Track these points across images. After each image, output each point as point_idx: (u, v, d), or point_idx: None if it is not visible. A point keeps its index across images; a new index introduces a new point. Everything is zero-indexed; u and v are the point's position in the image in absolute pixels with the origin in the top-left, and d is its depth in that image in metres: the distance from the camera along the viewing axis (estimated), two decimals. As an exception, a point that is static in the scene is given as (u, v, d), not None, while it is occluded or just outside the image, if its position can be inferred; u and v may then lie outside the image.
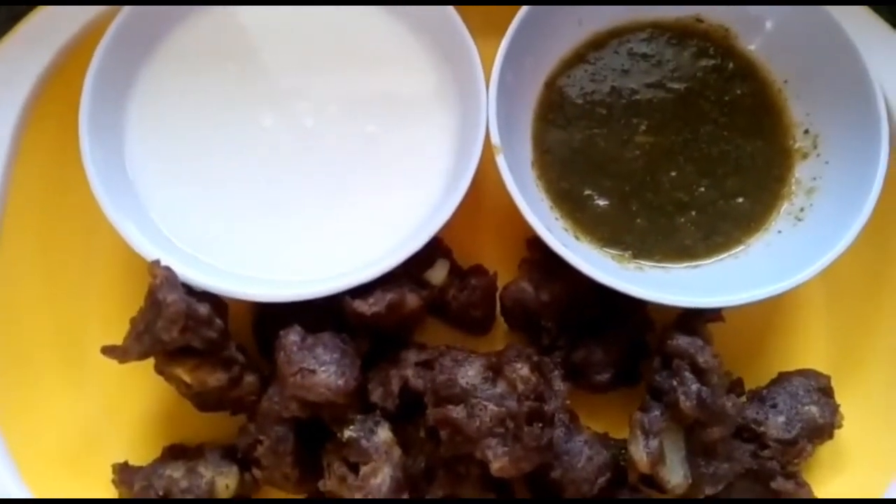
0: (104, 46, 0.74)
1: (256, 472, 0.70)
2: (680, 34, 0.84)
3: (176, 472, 0.70)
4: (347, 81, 0.78)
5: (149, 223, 0.74)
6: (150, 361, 0.69)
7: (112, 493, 0.72)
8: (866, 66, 0.75)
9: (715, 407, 0.66)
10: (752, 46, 0.83)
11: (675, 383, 0.68)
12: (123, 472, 0.72)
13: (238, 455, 0.72)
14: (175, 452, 0.73)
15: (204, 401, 0.71)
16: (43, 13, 0.79)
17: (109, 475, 0.72)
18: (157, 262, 0.68)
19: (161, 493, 0.69)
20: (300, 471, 0.69)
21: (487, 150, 0.72)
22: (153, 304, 0.65)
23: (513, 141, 0.77)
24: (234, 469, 0.71)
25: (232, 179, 0.75)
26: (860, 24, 0.79)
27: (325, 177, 0.76)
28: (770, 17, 0.81)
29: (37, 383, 0.76)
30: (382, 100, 0.77)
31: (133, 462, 0.73)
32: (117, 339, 0.69)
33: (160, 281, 0.66)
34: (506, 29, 0.75)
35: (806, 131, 0.81)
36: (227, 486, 0.70)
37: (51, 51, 0.78)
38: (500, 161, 0.72)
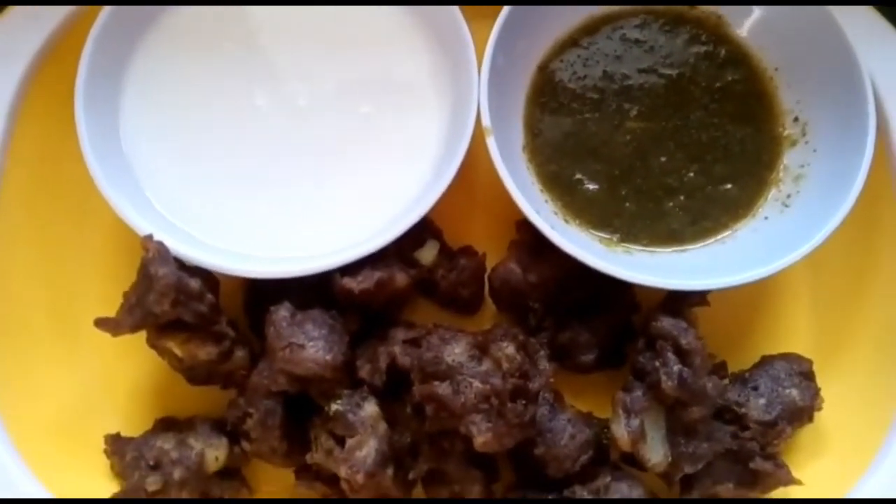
0: (101, 23, 0.74)
1: (245, 445, 0.72)
2: (673, 20, 0.84)
3: (167, 443, 0.72)
4: (341, 62, 0.79)
5: (143, 199, 0.75)
6: (143, 335, 0.70)
7: (104, 464, 0.74)
8: (856, 55, 0.75)
9: (695, 387, 0.68)
10: (744, 34, 0.83)
11: (657, 364, 0.69)
12: (115, 442, 0.73)
13: (228, 428, 0.73)
14: (166, 424, 0.74)
15: (195, 374, 0.73)
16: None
17: (102, 446, 0.73)
18: (149, 237, 0.69)
19: (152, 464, 0.70)
20: (288, 444, 0.71)
21: (480, 133, 0.73)
22: (145, 277, 0.66)
23: (504, 124, 0.78)
24: (224, 441, 0.73)
25: (225, 157, 0.76)
26: (851, 15, 0.80)
27: (317, 156, 0.77)
28: (762, 5, 0.81)
29: (31, 354, 0.77)
30: (375, 81, 0.78)
31: (125, 433, 0.74)
32: (111, 312, 0.70)
33: (152, 255, 0.67)
34: (498, 13, 0.76)
35: (795, 119, 0.81)
36: (216, 458, 0.72)
37: (48, 26, 0.79)
38: (491, 143, 0.73)
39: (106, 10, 0.75)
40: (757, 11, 0.82)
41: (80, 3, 0.79)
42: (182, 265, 0.69)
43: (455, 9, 0.76)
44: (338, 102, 0.77)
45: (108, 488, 0.73)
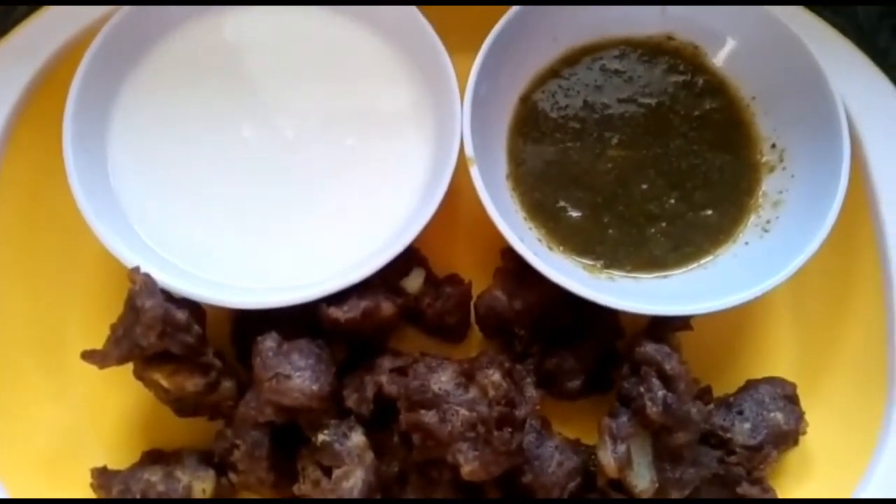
0: (89, 58, 0.76)
1: (233, 477, 0.72)
2: (651, 51, 0.86)
3: (153, 475, 0.71)
4: (327, 95, 0.80)
5: (130, 231, 0.75)
6: (130, 367, 0.70)
7: (90, 496, 0.73)
8: (829, 83, 0.77)
9: (680, 413, 0.68)
10: (720, 63, 0.85)
11: (642, 390, 0.70)
12: (102, 476, 0.73)
13: (215, 459, 0.73)
14: (153, 457, 0.74)
15: (182, 406, 0.73)
16: (29, 26, 0.81)
17: (88, 479, 0.73)
18: (136, 269, 0.69)
19: (139, 497, 0.70)
20: (276, 475, 0.71)
21: (464, 162, 0.74)
22: (132, 309, 0.67)
23: (487, 153, 0.79)
24: (211, 473, 0.73)
25: (212, 189, 0.77)
26: (825, 44, 0.82)
27: (303, 187, 0.78)
28: (737, 35, 0.83)
29: (17, 387, 0.76)
30: (360, 113, 0.79)
31: (112, 466, 0.74)
32: (98, 344, 0.70)
33: (139, 287, 0.67)
34: (481, 45, 0.77)
35: (773, 145, 0.83)
36: (203, 491, 0.71)
37: (37, 62, 0.80)
38: (474, 172, 0.74)
39: (95, 44, 0.76)
40: (732, 42, 0.84)
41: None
42: (169, 297, 0.70)
43: (437, 41, 0.77)
44: (323, 134, 0.79)
45: (95, 523, 0.72)
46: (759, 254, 0.78)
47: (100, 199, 0.74)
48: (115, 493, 0.70)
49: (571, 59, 0.85)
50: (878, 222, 0.80)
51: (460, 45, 0.78)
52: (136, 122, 0.78)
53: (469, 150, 0.74)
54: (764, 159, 0.83)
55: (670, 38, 0.86)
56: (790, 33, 0.79)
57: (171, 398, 0.71)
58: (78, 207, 0.72)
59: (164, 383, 0.69)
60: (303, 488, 0.69)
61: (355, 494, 0.66)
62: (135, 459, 0.75)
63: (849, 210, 0.74)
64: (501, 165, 0.82)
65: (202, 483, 0.72)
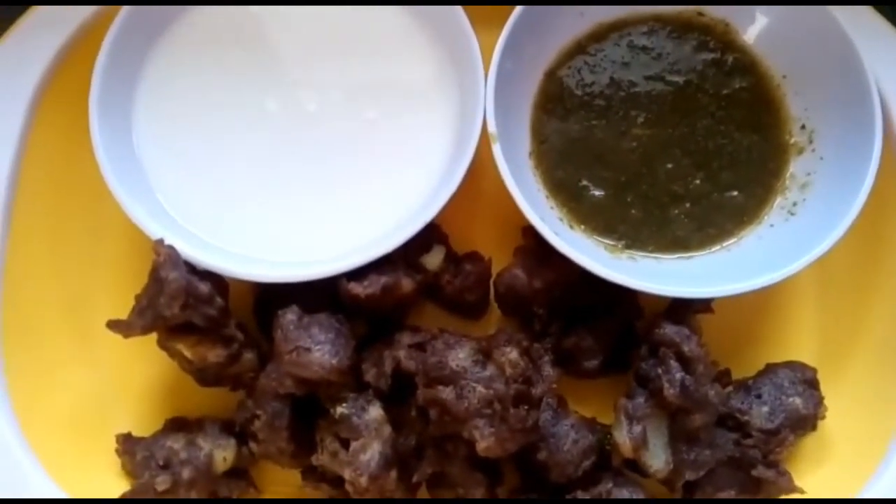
0: (115, 31, 0.76)
1: (253, 446, 0.73)
2: (681, 27, 0.84)
3: (176, 443, 0.73)
4: (350, 69, 0.79)
5: (155, 203, 0.76)
6: (155, 336, 0.72)
7: (116, 462, 0.75)
8: (864, 63, 0.75)
9: (698, 395, 0.68)
10: (751, 41, 0.83)
11: (660, 371, 0.70)
12: (127, 442, 0.75)
13: (236, 429, 0.75)
14: (176, 425, 0.76)
15: (204, 376, 0.74)
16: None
17: (113, 444, 0.75)
18: (160, 241, 0.70)
19: (161, 464, 0.72)
20: (295, 445, 0.72)
21: (486, 138, 0.74)
22: (156, 280, 0.68)
23: (511, 130, 0.78)
24: (232, 442, 0.74)
25: (236, 162, 0.77)
26: (860, 22, 0.80)
27: (326, 161, 0.78)
28: (770, 12, 0.81)
29: (45, 354, 0.78)
30: (383, 87, 0.79)
31: (136, 432, 0.76)
32: (124, 311, 0.71)
33: (163, 259, 0.68)
34: (507, 19, 0.76)
35: (803, 126, 0.81)
36: (224, 459, 0.73)
37: (64, 32, 0.80)
38: (496, 150, 0.73)
39: (120, 16, 0.76)
40: (764, 19, 0.82)
41: (96, 4, 0.81)
42: (192, 269, 0.71)
43: (461, 13, 0.76)
44: (346, 108, 0.78)
45: (120, 486, 0.74)
46: (784, 237, 0.77)
47: (125, 171, 0.75)
48: (138, 459, 0.72)
49: (599, 35, 0.84)
50: (908, 208, 0.78)
51: (485, 19, 0.77)
52: (161, 95, 0.78)
53: (492, 127, 0.74)
54: (793, 140, 0.82)
55: (701, 14, 0.84)
56: (825, 11, 0.77)
57: (193, 368, 0.73)
58: (103, 179, 0.73)
59: (187, 354, 0.71)
60: (321, 459, 0.70)
61: (372, 466, 0.67)
62: (158, 426, 0.76)
63: (878, 195, 0.73)
64: (524, 142, 0.82)
65: (223, 451, 0.73)
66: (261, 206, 0.77)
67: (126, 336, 0.70)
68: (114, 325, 0.70)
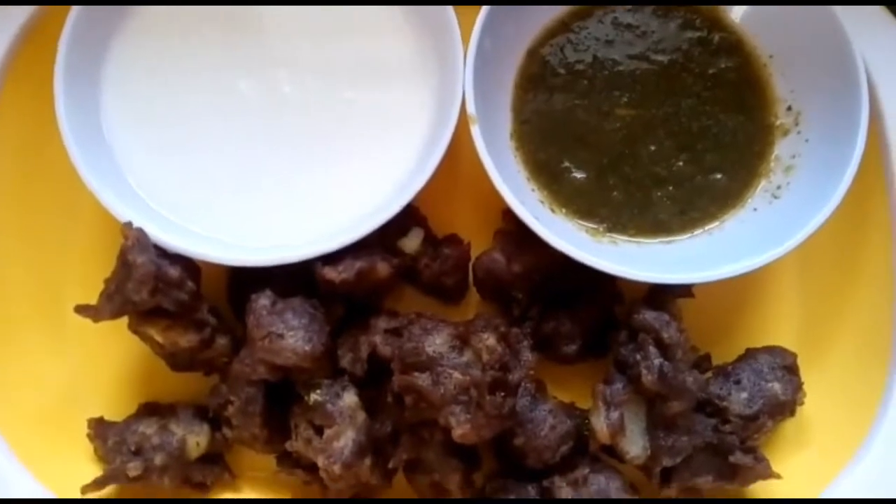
0: (79, 8, 0.73)
1: (227, 431, 0.72)
2: (667, 5, 0.82)
3: (149, 428, 0.72)
4: (326, 49, 0.77)
5: (125, 185, 0.74)
6: (127, 320, 0.70)
7: (88, 448, 0.74)
8: (852, 45, 0.74)
9: (675, 382, 0.67)
10: (738, 19, 0.81)
11: (638, 357, 0.69)
12: (98, 426, 0.74)
13: (210, 414, 0.74)
14: (149, 410, 0.75)
15: (177, 361, 0.73)
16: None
17: (85, 430, 0.74)
18: (128, 224, 0.68)
19: (133, 449, 0.71)
20: (269, 431, 0.71)
21: (466, 118, 0.72)
22: (124, 265, 0.66)
23: (491, 110, 0.76)
24: (206, 427, 0.73)
25: (208, 144, 0.75)
26: (850, 3, 0.78)
27: (301, 143, 0.76)
28: (757, -11, 0.80)
29: (15, 340, 0.77)
30: (360, 67, 0.77)
31: (109, 417, 0.75)
32: (94, 298, 0.70)
33: (131, 243, 0.66)
34: (486, -4, 0.74)
35: (789, 108, 0.80)
36: (197, 445, 0.72)
37: (24, 12, 0.78)
38: (475, 132, 0.72)
39: (83, -8, 0.74)
40: (752, -4, 0.80)
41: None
42: (162, 253, 0.69)
43: (440, -10, 0.74)
44: (321, 89, 0.76)
45: (93, 472, 0.73)
46: (768, 221, 0.76)
47: (93, 152, 0.73)
48: (110, 444, 0.72)
49: (582, 12, 0.82)
50: (892, 194, 0.77)
51: (464, -3, 0.75)
52: (129, 74, 0.76)
53: (471, 109, 0.72)
54: (778, 122, 0.80)
55: (686, -9, 0.82)
56: (814, -12, 0.75)
57: (165, 353, 0.72)
58: (71, 161, 0.71)
59: (158, 338, 0.70)
60: (295, 445, 0.70)
61: (346, 454, 0.67)
62: (131, 411, 0.75)
63: (863, 179, 0.72)
64: (505, 123, 0.80)
65: (196, 437, 0.72)
66: (234, 189, 0.75)
67: (95, 321, 0.69)
68: (82, 309, 0.69)
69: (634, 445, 0.69)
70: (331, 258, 0.71)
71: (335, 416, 0.68)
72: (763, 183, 0.79)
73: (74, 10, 0.73)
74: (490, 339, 0.68)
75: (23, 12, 0.77)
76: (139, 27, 0.76)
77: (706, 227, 0.78)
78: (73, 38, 0.73)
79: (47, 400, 0.77)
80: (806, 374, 0.75)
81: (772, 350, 0.76)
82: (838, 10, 0.74)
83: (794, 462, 0.75)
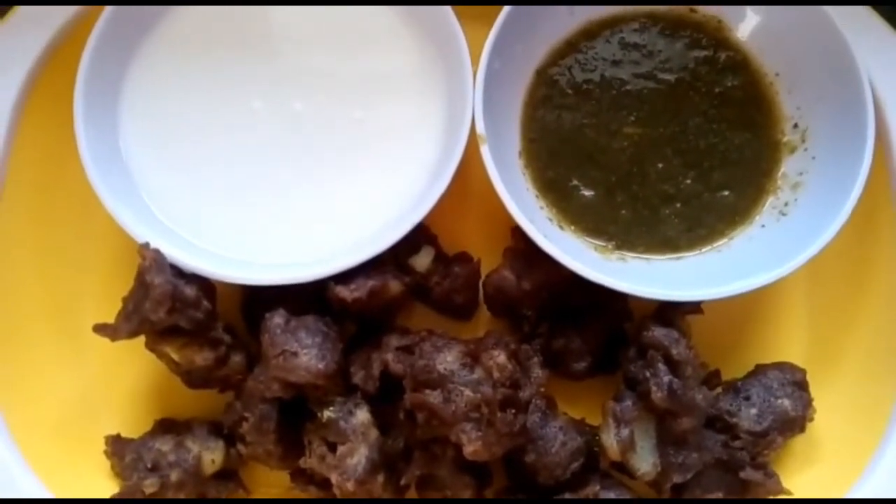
0: (99, 29, 0.75)
1: (241, 448, 0.73)
2: (673, 24, 0.83)
3: (165, 445, 0.73)
4: (338, 69, 0.78)
5: (141, 205, 0.76)
6: (143, 338, 0.72)
7: (105, 464, 0.75)
8: (858, 62, 0.74)
9: (685, 399, 0.68)
10: (744, 38, 0.82)
11: (648, 374, 0.69)
12: (115, 443, 0.75)
13: (224, 431, 0.75)
14: (165, 426, 0.76)
15: (192, 378, 0.74)
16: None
17: (102, 446, 0.75)
18: (146, 245, 0.70)
19: (150, 466, 0.72)
20: (283, 447, 0.72)
21: (476, 137, 0.73)
22: (141, 285, 0.68)
23: (500, 129, 0.78)
24: (221, 444, 0.74)
25: (222, 163, 0.77)
26: (855, 20, 0.79)
27: (313, 161, 0.77)
28: (763, 9, 0.80)
29: (33, 357, 0.78)
30: (370, 86, 0.78)
31: (125, 433, 0.76)
32: (112, 313, 0.71)
33: (148, 263, 0.68)
34: (496, 16, 0.75)
35: (795, 125, 0.80)
36: (212, 461, 0.73)
37: (48, 32, 0.79)
38: (485, 151, 0.73)
39: (104, 15, 0.75)
40: (757, 15, 0.81)
41: (81, 3, 0.80)
42: (178, 272, 0.70)
43: (450, 13, 0.75)
44: (333, 108, 0.78)
45: (109, 488, 0.74)
46: (776, 238, 0.77)
47: (111, 173, 0.74)
48: (127, 461, 0.72)
49: (590, 32, 0.83)
50: (899, 211, 0.78)
51: (474, 18, 0.77)
52: (146, 96, 0.78)
53: (480, 128, 0.73)
54: (785, 139, 0.81)
55: (693, 10, 0.83)
56: (818, 8, 0.76)
57: (181, 370, 0.73)
58: (88, 180, 0.72)
59: (175, 356, 0.71)
60: (309, 462, 0.70)
61: (359, 471, 0.67)
62: (147, 427, 0.76)
63: (870, 196, 0.72)
64: (514, 142, 0.81)
65: (211, 454, 0.73)
66: (248, 208, 0.76)
67: (113, 340, 0.70)
68: (100, 328, 0.70)
69: (645, 462, 0.70)
70: (343, 277, 0.72)
71: (348, 432, 0.69)
72: (771, 200, 0.80)
73: (95, 31, 0.75)
74: (500, 357, 0.69)
75: (44, 33, 0.79)
76: (156, 49, 0.78)
77: (714, 245, 0.79)
78: (94, 58, 0.74)
79: (64, 416, 0.78)
80: (815, 390, 0.75)
81: (781, 366, 0.76)
82: (843, 27, 0.75)
83: (804, 478, 0.75)
